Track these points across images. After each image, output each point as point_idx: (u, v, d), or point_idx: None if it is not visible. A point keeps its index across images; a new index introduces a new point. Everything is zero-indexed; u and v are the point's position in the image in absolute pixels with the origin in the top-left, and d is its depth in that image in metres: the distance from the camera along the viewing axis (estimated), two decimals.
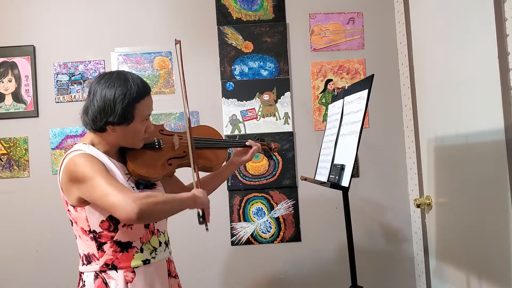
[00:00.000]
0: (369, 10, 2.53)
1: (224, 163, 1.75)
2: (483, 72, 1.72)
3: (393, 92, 2.51)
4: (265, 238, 2.45)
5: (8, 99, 2.42)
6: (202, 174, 1.68)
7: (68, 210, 1.42)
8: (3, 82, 2.42)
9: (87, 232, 1.40)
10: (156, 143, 1.56)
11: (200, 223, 1.48)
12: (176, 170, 1.62)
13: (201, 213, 1.48)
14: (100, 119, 1.38)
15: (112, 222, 1.38)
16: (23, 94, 2.42)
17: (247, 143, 1.80)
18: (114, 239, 1.39)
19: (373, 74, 1.64)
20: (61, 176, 1.40)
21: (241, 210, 2.45)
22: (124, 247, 1.40)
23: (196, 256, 2.42)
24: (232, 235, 2.44)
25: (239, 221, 2.45)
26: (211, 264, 2.43)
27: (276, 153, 2.46)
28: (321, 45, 2.52)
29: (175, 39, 1.58)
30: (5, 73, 2.42)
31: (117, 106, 1.37)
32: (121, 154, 1.50)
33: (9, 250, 2.38)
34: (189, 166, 1.57)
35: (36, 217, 2.39)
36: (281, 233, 2.45)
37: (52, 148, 2.42)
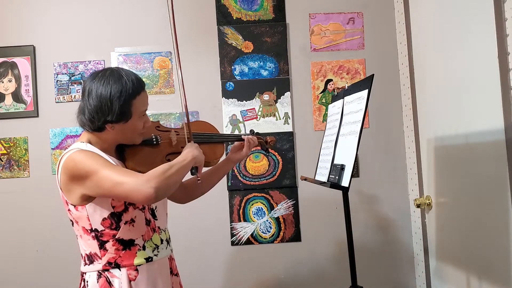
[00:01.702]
0: (369, 10, 2.53)
1: (222, 158, 1.75)
2: (483, 72, 1.72)
3: (393, 92, 2.51)
4: (265, 238, 2.45)
5: (8, 99, 2.42)
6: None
7: (69, 210, 1.41)
8: (3, 82, 2.42)
9: (89, 231, 1.39)
10: (154, 139, 1.55)
11: (192, 174, 1.47)
12: None
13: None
14: (98, 119, 1.37)
15: (114, 219, 1.38)
16: (23, 94, 2.42)
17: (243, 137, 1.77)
18: (116, 237, 1.39)
19: (373, 74, 1.64)
20: (60, 176, 1.38)
21: (241, 210, 2.45)
22: (126, 245, 1.40)
23: (196, 255, 2.42)
24: (232, 235, 2.44)
25: (239, 221, 2.45)
26: (211, 264, 2.43)
27: (276, 153, 2.46)
28: (321, 45, 2.52)
29: None
30: (5, 73, 2.42)
31: (114, 104, 1.36)
32: (119, 152, 1.49)
33: (9, 250, 2.38)
34: None
35: (36, 217, 2.39)
36: (281, 233, 2.45)
37: (52, 148, 2.42)
